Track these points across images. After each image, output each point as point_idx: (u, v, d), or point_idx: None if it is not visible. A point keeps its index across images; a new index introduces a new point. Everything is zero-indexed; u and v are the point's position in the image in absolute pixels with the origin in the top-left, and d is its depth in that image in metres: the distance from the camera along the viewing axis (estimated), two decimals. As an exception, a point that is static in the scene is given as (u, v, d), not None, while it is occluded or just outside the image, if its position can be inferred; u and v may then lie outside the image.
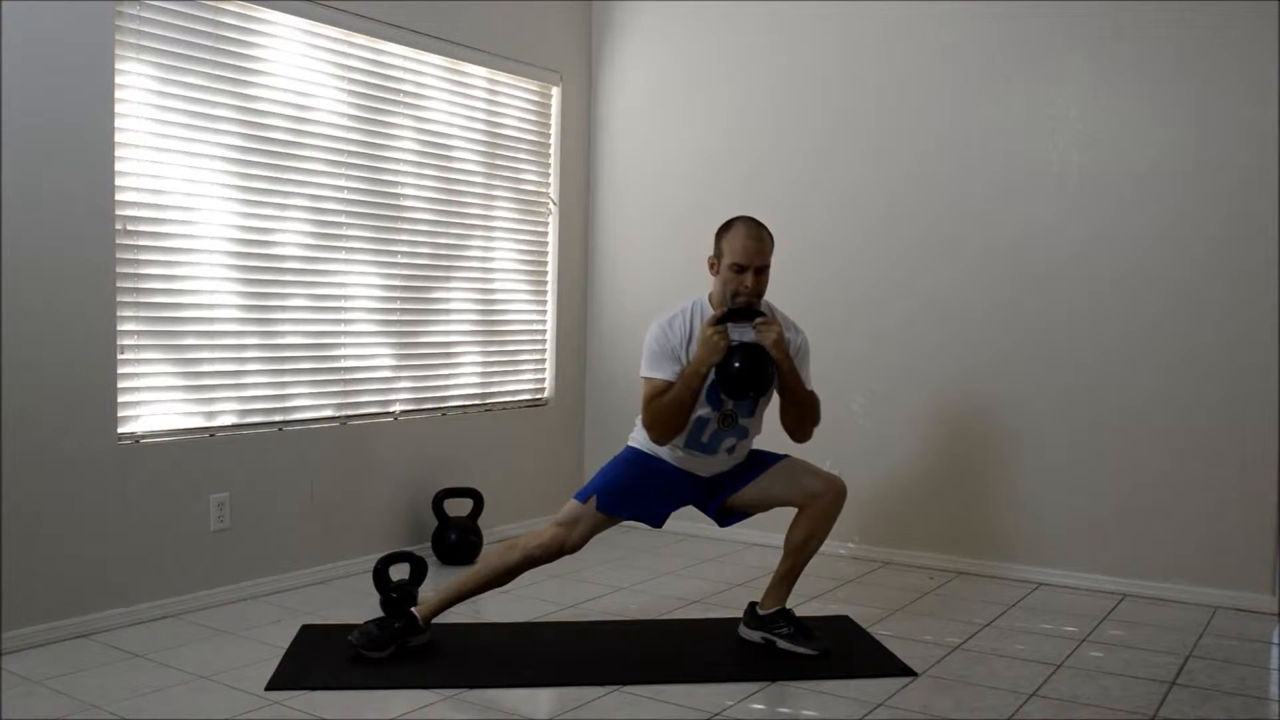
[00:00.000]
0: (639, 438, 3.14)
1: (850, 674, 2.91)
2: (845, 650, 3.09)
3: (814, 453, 4.37)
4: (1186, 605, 3.63)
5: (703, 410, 2.99)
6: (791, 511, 3.14)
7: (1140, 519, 3.77)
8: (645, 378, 3.01)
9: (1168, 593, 3.70)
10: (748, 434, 3.11)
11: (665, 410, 2.93)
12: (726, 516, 3.22)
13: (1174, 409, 3.71)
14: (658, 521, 3.17)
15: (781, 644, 3.06)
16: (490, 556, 3.13)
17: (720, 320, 2.93)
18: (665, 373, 2.97)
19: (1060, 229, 3.90)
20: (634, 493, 3.09)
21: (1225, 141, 3.62)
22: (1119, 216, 3.80)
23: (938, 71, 4.12)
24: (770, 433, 3.18)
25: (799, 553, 3.12)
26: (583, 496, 3.07)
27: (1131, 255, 3.78)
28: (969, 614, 3.51)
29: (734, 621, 3.25)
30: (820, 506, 3.08)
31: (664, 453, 3.09)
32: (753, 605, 3.18)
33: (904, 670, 2.94)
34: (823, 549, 4.30)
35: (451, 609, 3.35)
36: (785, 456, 3.18)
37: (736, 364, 2.89)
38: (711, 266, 3.06)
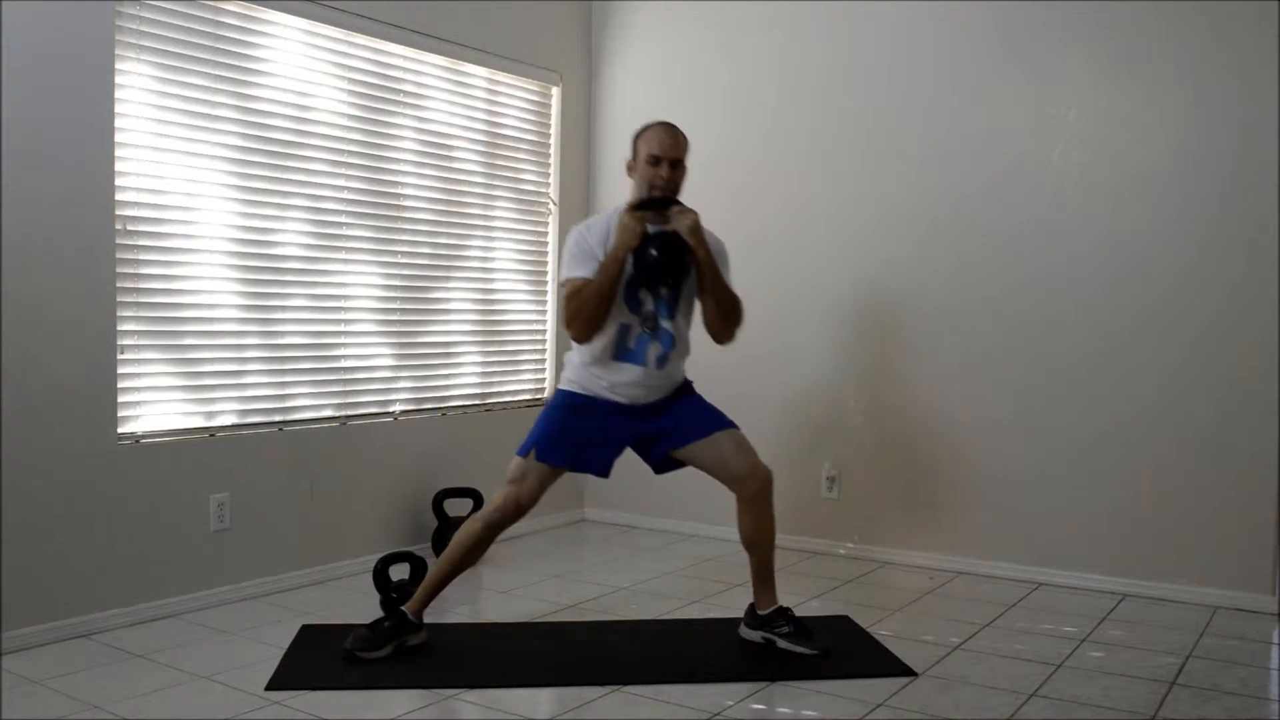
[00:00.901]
0: (568, 375, 3.13)
1: (850, 674, 2.91)
2: (845, 650, 3.09)
3: (815, 451, 4.39)
4: (1186, 605, 3.63)
5: (624, 316, 3.00)
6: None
7: (1140, 519, 3.77)
8: (565, 280, 3.02)
9: (1168, 593, 3.70)
10: (673, 342, 3.06)
11: (587, 302, 2.93)
12: (665, 466, 3.20)
13: (1174, 409, 3.71)
14: (602, 469, 3.13)
15: (782, 644, 3.07)
16: (457, 536, 3.12)
17: (637, 207, 2.96)
18: (585, 271, 2.97)
19: (1060, 229, 3.89)
20: (570, 438, 3.07)
21: (1225, 141, 3.62)
22: (1119, 217, 3.80)
23: (937, 72, 4.12)
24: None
25: (754, 547, 3.13)
26: (524, 451, 3.07)
27: (1131, 255, 3.78)
28: (969, 614, 3.51)
29: (734, 621, 3.25)
30: (747, 497, 3.09)
31: (594, 382, 3.06)
32: (752, 606, 3.18)
33: (904, 670, 2.94)
34: (823, 549, 4.35)
35: (451, 609, 3.36)
36: (729, 428, 3.12)
37: (653, 250, 2.92)
38: (629, 169, 3.09)
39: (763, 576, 3.15)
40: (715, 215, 4.67)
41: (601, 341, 3.02)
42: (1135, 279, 3.77)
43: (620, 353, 3.03)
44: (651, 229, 2.96)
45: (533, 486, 3.04)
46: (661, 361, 3.05)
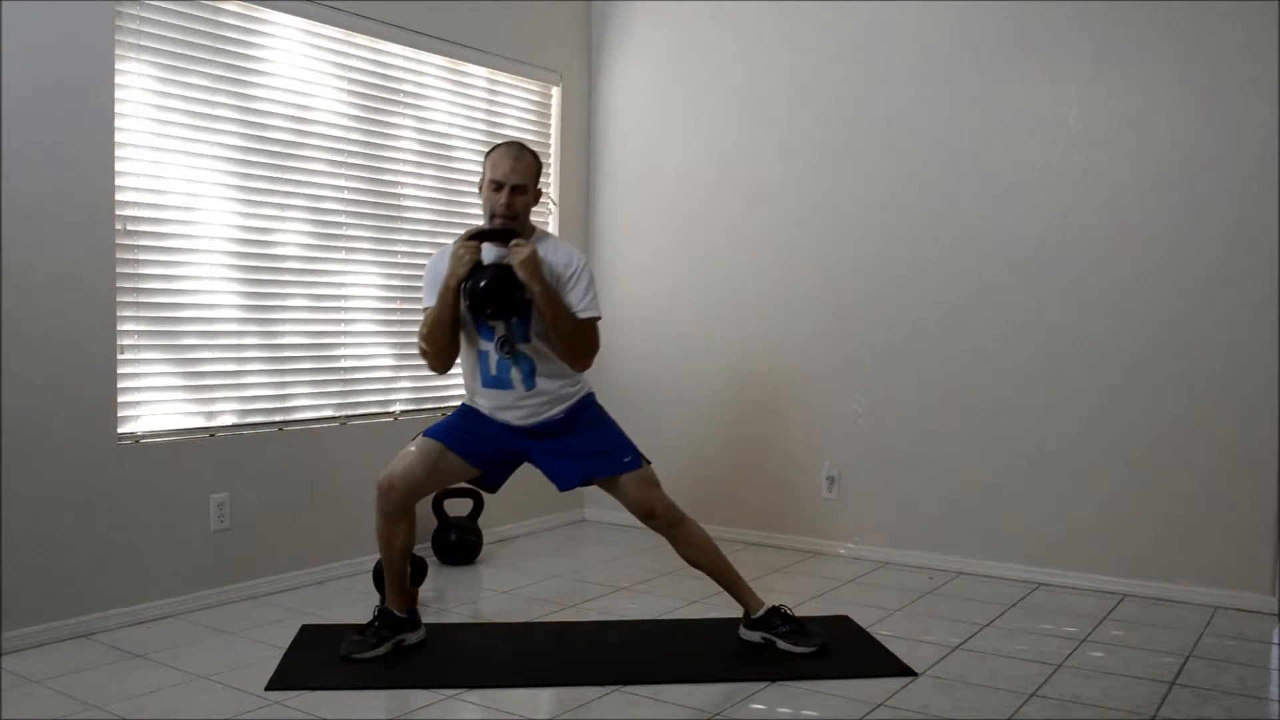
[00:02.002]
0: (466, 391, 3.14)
1: (850, 674, 2.91)
2: (845, 650, 3.09)
3: (816, 452, 4.39)
4: (1186, 605, 3.63)
5: (480, 344, 2.97)
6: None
7: (1140, 519, 3.77)
8: (424, 309, 3.00)
9: (1168, 593, 3.70)
10: (534, 366, 2.98)
11: (430, 332, 2.94)
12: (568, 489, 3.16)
13: (1174, 409, 3.71)
14: (488, 471, 3.09)
15: (781, 644, 3.06)
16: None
17: (474, 237, 2.90)
18: (433, 299, 2.95)
19: (1060, 229, 3.89)
20: (460, 427, 3.05)
21: (1226, 141, 3.62)
22: (1119, 217, 3.80)
23: (937, 72, 4.12)
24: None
25: (701, 568, 3.15)
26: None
27: (1131, 255, 3.78)
28: (969, 614, 3.51)
29: (734, 621, 3.25)
30: (662, 534, 3.10)
31: (478, 401, 3.05)
32: (746, 613, 3.17)
33: (904, 670, 2.94)
34: (823, 549, 4.36)
35: (451, 609, 3.35)
36: (626, 471, 3.04)
37: (482, 282, 2.85)
38: (480, 189, 3.04)
39: (731, 587, 3.15)
40: (715, 214, 4.68)
41: (468, 369, 3.04)
42: (1135, 279, 3.77)
43: (486, 380, 3.01)
44: (492, 258, 2.88)
45: (407, 467, 2.98)
46: (530, 381, 2.99)
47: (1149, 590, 3.74)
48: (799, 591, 3.71)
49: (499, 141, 3.08)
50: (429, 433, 3.05)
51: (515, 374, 2.98)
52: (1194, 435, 3.68)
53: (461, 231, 4.36)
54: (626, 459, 3.06)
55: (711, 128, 4.67)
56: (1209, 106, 3.64)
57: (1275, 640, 3.30)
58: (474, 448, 3.04)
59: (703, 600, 3.67)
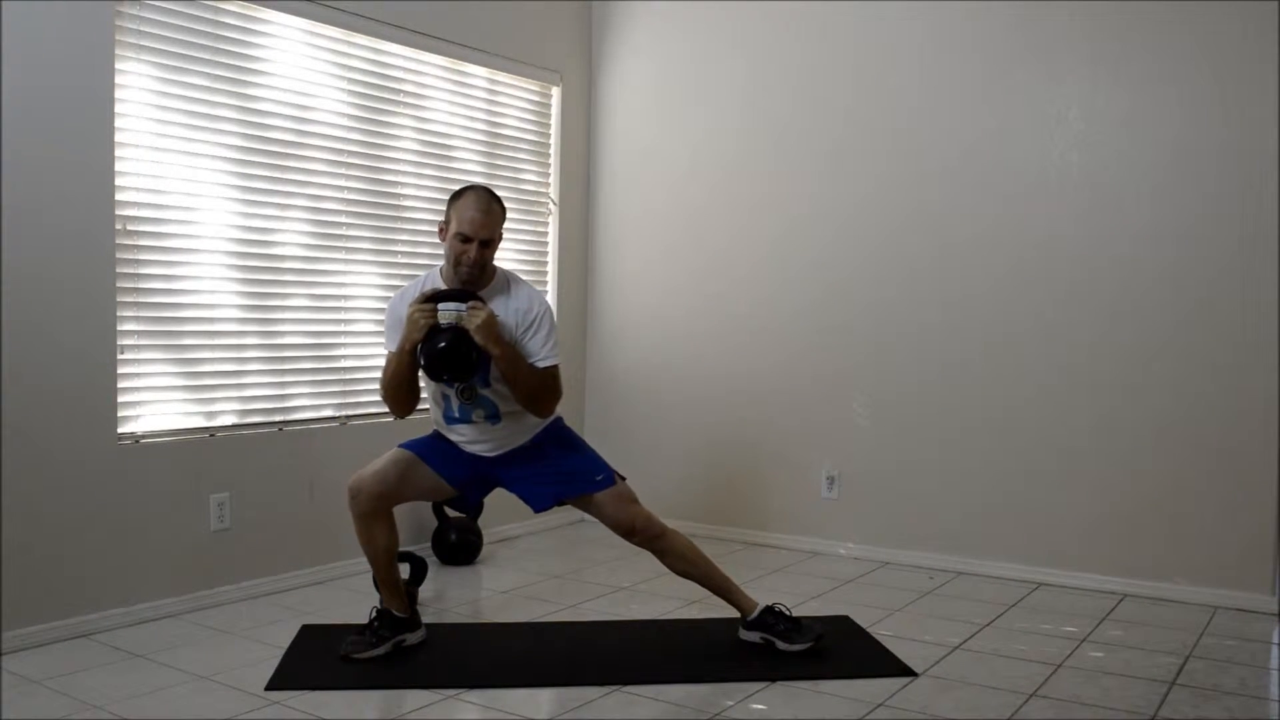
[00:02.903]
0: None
1: (850, 674, 2.91)
2: (845, 650, 3.09)
3: (816, 452, 4.39)
4: (1186, 605, 3.63)
5: (444, 387, 2.97)
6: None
7: (1140, 519, 3.77)
8: (386, 353, 2.99)
9: (1168, 593, 3.70)
10: (497, 408, 2.97)
11: (386, 386, 2.96)
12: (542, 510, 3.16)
13: (1174, 409, 3.71)
14: (467, 491, 3.09)
15: (780, 645, 3.06)
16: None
17: (430, 299, 2.86)
18: (393, 344, 2.94)
19: (1060, 229, 3.89)
20: (435, 446, 3.06)
21: (1225, 141, 3.61)
22: (1119, 216, 3.80)
23: (937, 72, 4.12)
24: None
25: (690, 576, 3.13)
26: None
27: (1131, 255, 3.78)
28: (969, 614, 3.51)
29: (734, 621, 3.25)
30: (644, 548, 3.08)
31: (448, 435, 3.06)
32: (742, 615, 3.16)
33: (904, 670, 2.94)
34: (823, 549, 4.35)
35: (451, 609, 3.35)
36: (600, 488, 3.04)
37: (439, 344, 2.81)
38: (441, 233, 2.98)
39: (724, 593, 3.14)
40: (716, 215, 4.68)
41: (433, 406, 3.05)
42: (1135, 279, 3.77)
43: (449, 417, 3.02)
44: (449, 317, 2.83)
45: (376, 471, 2.95)
46: (494, 420, 3.00)
47: (1149, 590, 3.74)
48: (799, 591, 3.71)
49: (460, 187, 3.01)
50: (403, 445, 3.06)
51: (478, 414, 2.99)
52: (1194, 435, 3.68)
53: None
54: (598, 477, 3.05)
55: (712, 128, 4.67)
56: (1209, 106, 3.64)
57: (1275, 640, 3.30)
58: (448, 464, 3.04)
59: (703, 600, 3.66)
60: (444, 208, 4.27)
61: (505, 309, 2.93)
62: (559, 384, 2.99)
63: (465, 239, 2.88)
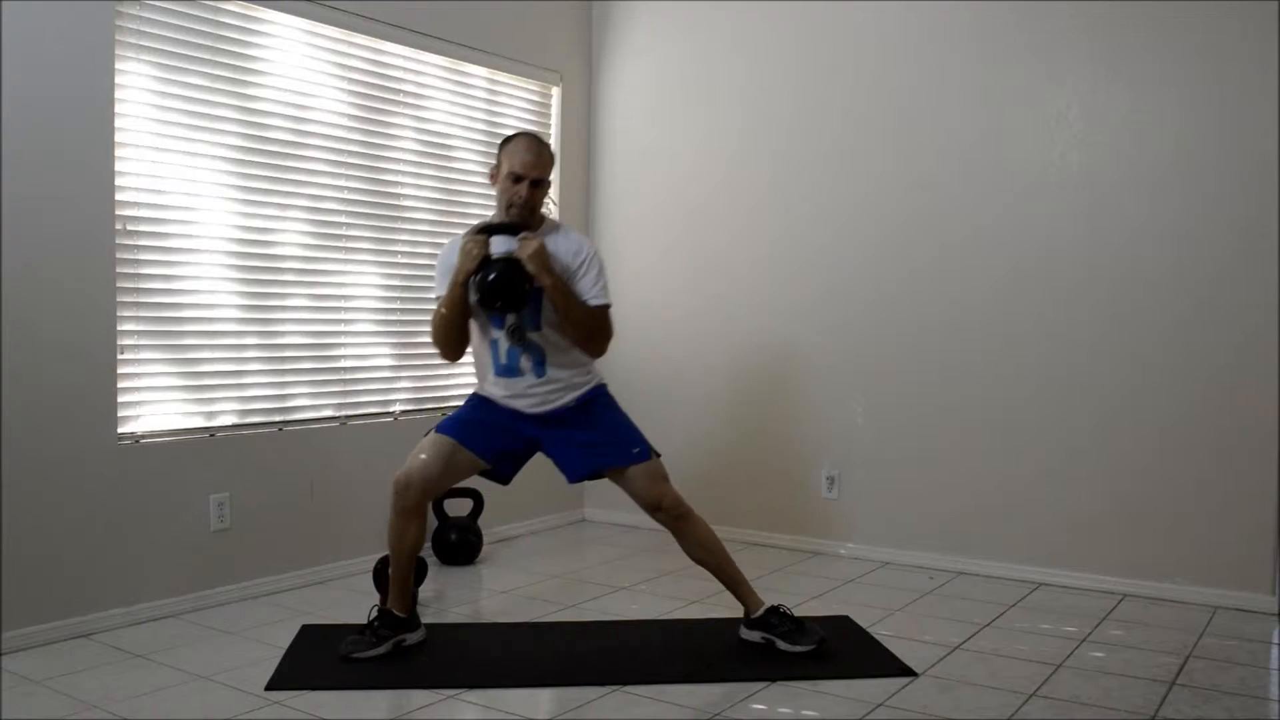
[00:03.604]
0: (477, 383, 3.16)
1: (850, 674, 2.91)
2: (845, 650, 3.09)
3: (816, 453, 4.39)
4: (1186, 605, 3.63)
5: (491, 332, 3.00)
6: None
7: (1140, 519, 3.77)
8: (436, 298, 3.02)
9: (1168, 593, 3.70)
10: (544, 353, 3.01)
11: (437, 325, 2.97)
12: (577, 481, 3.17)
13: (1174, 409, 3.71)
14: (498, 464, 3.09)
15: (781, 644, 3.06)
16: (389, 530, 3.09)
17: (482, 231, 2.92)
18: (444, 289, 2.98)
19: (1060, 229, 3.89)
20: (471, 419, 3.06)
21: (1226, 141, 3.62)
22: (1118, 216, 3.80)
23: (937, 72, 4.12)
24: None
25: (705, 564, 3.15)
26: (425, 434, 3.09)
27: (1131, 255, 3.78)
28: (969, 614, 3.51)
29: (734, 621, 3.25)
30: (667, 527, 3.11)
31: (490, 390, 3.07)
32: (746, 612, 3.17)
33: (904, 670, 2.94)
34: (823, 549, 4.35)
35: (451, 609, 3.35)
36: (636, 462, 3.06)
37: (491, 275, 2.87)
38: (491, 178, 3.06)
39: (733, 585, 3.15)
40: (716, 212, 4.68)
41: (481, 358, 3.06)
42: (1135, 279, 3.77)
43: (499, 369, 3.03)
44: (500, 251, 2.89)
45: (423, 464, 2.98)
46: (541, 369, 3.01)
47: (1149, 590, 3.74)
48: (799, 591, 3.71)
49: (512, 132, 3.11)
50: (441, 428, 3.06)
51: (525, 362, 3.00)
52: (1194, 435, 3.68)
53: (463, 228, 4.41)
54: (635, 450, 3.07)
55: (712, 128, 4.67)
56: (1209, 106, 3.64)
57: (1275, 640, 3.30)
58: (486, 441, 3.05)
59: (703, 600, 3.67)
60: (444, 207, 4.33)
61: (555, 248, 2.97)
62: (610, 323, 3.05)
63: (517, 178, 2.94)
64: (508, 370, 3.01)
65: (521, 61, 4.62)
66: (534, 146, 2.99)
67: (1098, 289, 3.83)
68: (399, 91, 4.14)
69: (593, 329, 3.00)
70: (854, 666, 2.97)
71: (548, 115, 4.84)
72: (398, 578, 3.06)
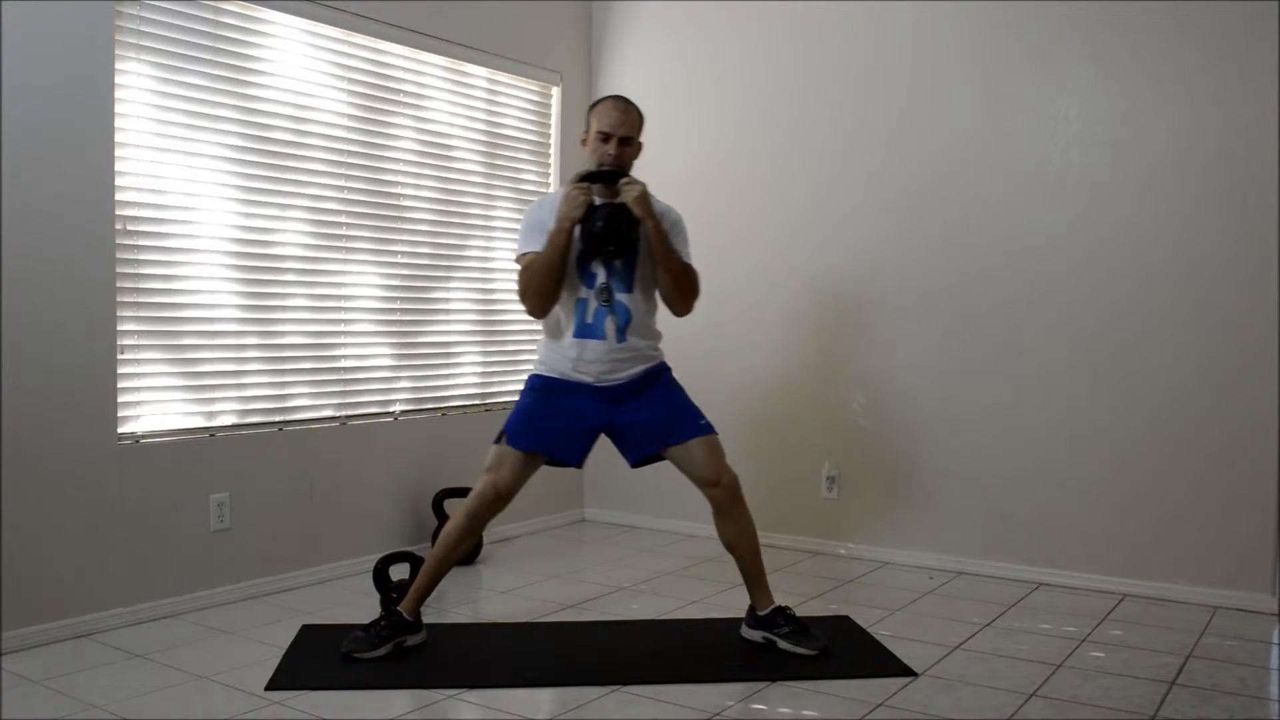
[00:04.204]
0: (538, 358, 3.16)
1: (850, 674, 2.91)
2: (845, 650, 3.09)
3: (816, 453, 4.39)
4: (1186, 605, 3.63)
5: (579, 290, 3.01)
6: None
7: (1140, 519, 3.77)
8: (519, 256, 3.02)
9: (1168, 593, 3.70)
10: (629, 314, 3.04)
11: (536, 275, 2.95)
12: (640, 462, 3.18)
13: (1174, 409, 3.71)
14: (574, 458, 3.12)
15: (782, 644, 3.06)
16: (443, 531, 3.13)
17: (584, 179, 2.96)
18: (536, 245, 2.98)
19: (1060, 229, 3.89)
20: (540, 420, 3.07)
21: (1226, 141, 3.62)
22: (1119, 217, 3.80)
23: (937, 72, 4.12)
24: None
25: (736, 550, 3.14)
26: (497, 438, 3.08)
27: (1131, 255, 3.78)
28: (969, 614, 3.51)
29: (734, 621, 3.25)
30: (716, 504, 3.10)
31: (561, 362, 3.06)
32: (751, 608, 3.18)
33: (904, 670, 2.94)
34: (823, 549, 4.35)
35: (451, 609, 3.35)
36: (702, 434, 3.09)
37: (599, 221, 2.91)
38: (582, 142, 3.11)
39: (753, 578, 3.15)
40: (715, 213, 4.68)
41: (560, 317, 3.05)
42: (1135, 280, 3.77)
43: (579, 328, 3.03)
44: (600, 201, 2.96)
45: (510, 474, 3.03)
46: (621, 334, 3.03)
47: (1149, 590, 3.74)
48: (799, 591, 3.71)
49: (602, 97, 3.15)
50: (513, 440, 3.05)
51: (609, 324, 3.02)
52: (1194, 435, 3.68)
53: (463, 228, 4.41)
54: (702, 421, 3.11)
55: (712, 128, 4.67)
56: (1209, 106, 3.64)
57: (1275, 640, 3.30)
58: (560, 442, 3.08)
59: (703, 600, 3.67)
60: (444, 208, 4.33)
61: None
62: (699, 282, 3.09)
63: (606, 136, 3.00)
64: (589, 331, 3.02)
65: (521, 61, 4.62)
66: (621, 104, 3.04)
67: (1097, 289, 3.83)
68: (399, 91, 4.14)
69: (685, 277, 3.05)
70: (854, 666, 2.97)
71: (548, 115, 4.84)
72: (426, 583, 3.08)
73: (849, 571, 4.09)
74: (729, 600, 3.63)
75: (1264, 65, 3.53)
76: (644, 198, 2.95)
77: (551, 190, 4.85)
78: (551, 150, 4.85)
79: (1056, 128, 3.89)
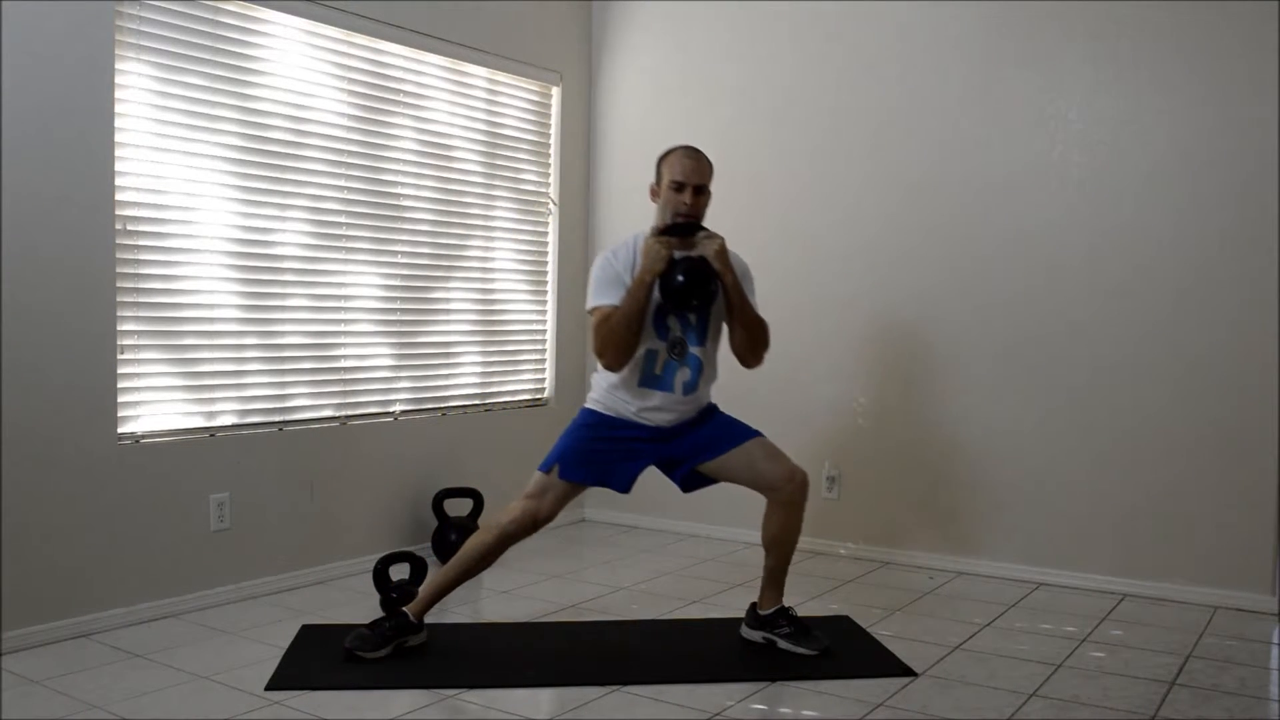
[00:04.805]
0: (595, 396, 3.13)
1: (850, 674, 2.91)
2: (845, 650, 3.09)
3: (815, 453, 4.39)
4: (1186, 605, 3.63)
5: (652, 342, 3.00)
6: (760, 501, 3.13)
7: (1140, 519, 3.77)
8: (593, 308, 3.01)
9: (1168, 593, 3.70)
10: (701, 367, 3.05)
11: (616, 329, 2.93)
12: (691, 484, 3.18)
13: (1174, 409, 3.71)
14: (623, 485, 3.12)
15: (782, 644, 3.07)
16: (469, 542, 3.12)
17: (663, 233, 2.95)
18: (612, 298, 2.96)
19: (1060, 229, 3.89)
20: (594, 456, 3.07)
21: (1226, 141, 3.62)
22: (1119, 217, 3.80)
23: (937, 72, 4.12)
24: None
25: (776, 548, 3.12)
26: (545, 466, 3.07)
27: (1131, 255, 3.78)
28: (969, 614, 3.51)
29: (734, 621, 3.26)
30: (782, 500, 3.07)
31: (622, 406, 3.06)
32: (754, 606, 3.18)
33: (904, 670, 2.94)
34: (823, 549, 4.35)
35: (451, 609, 3.35)
36: (756, 436, 3.12)
37: (680, 275, 2.90)
38: (653, 193, 3.09)
39: (775, 578, 3.15)
40: (715, 214, 4.67)
41: (629, 367, 3.02)
42: (1135, 279, 3.77)
43: (647, 379, 3.03)
44: (677, 254, 2.94)
45: (551, 503, 3.04)
46: (689, 388, 3.05)
47: (1149, 590, 3.74)
48: (799, 591, 3.71)
49: (673, 147, 3.10)
50: (566, 473, 3.04)
51: (679, 377, 3.04)
52: (1194, 435, 3.68)
53: (463, 228, 4.41)
54: (750, 429, 3.13)
55: (711, 127, 4.66)
56: (1209, 106, 3.64)
57: (1275, 640, 3.30)
58: (606, 475, 3.10)
59: (703, 600, 3.67)
60: (444, 208, 4.33)
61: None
62: (769, 333, 3.10)
63: (679, 186, 2.98)
64: (657, 382, 3.03)
65: (521, 61, 4.62)
66: (693, 154, 3.03)
67: (1098, 289, 3.83)
68: (399, 92, 4.14)
69: (759, 331, 3.07)
70: (854, 666, 2.97)
71: (548, 115, 4.84)
72: (439, 592, 3.08)
73: (849, 571, 4.09)
74: (729, 600, 3.63)
75: (1264, 65, 3.53)
76: (723, 252, 2.96)
77: (552, 186, 4.85)
78: (551, 150, 4.85)
79: (1056, 128, 3.89)
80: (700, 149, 3.07)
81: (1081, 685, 2.85)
